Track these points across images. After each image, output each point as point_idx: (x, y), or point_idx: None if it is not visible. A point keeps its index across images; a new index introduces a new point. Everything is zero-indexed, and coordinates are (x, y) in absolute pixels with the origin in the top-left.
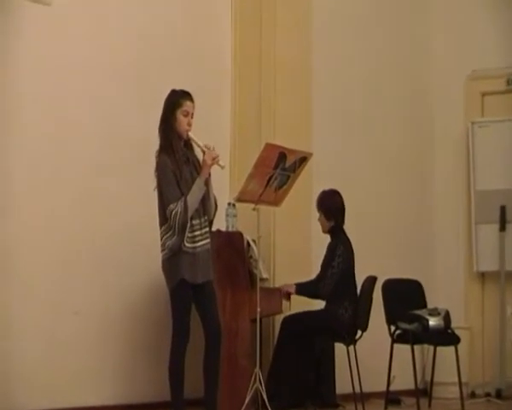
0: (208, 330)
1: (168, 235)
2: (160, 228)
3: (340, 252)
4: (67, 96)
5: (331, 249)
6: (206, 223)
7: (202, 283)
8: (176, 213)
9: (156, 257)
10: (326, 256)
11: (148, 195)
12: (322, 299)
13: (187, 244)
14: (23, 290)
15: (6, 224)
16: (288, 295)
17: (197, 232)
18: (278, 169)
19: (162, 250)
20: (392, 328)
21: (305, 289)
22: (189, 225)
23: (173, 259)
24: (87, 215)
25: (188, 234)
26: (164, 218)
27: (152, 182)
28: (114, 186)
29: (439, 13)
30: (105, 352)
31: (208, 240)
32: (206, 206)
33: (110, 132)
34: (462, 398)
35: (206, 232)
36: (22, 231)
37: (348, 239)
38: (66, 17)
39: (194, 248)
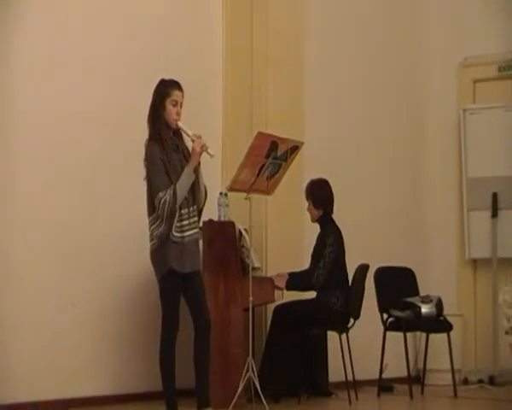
0: (197, 319)
1: (156, 224)
2: (149, 218)
3: (330, 241)
4: (60, 88)
5: (321, 239)
6: (195, 212)
7: (190, 272)
8: (165, 201)
9: (148, 249)
10: (316, 247)
11: (140, 187)
12: (315, 290)
13: (175, 234)
14: (19, 283)
15: (2, 218)
16: None
17: (185, 222)
18: (270, 158)
19: (151, 240)
20: (385, 316)
21: (296, 282)
22: (177, 214)
23: (161, 249)
24: (84, 208)
25: (176, 223)
26: (152, 207)
27: (143, 173)
28: (112, 180)
29: (432, 0)
30: (99, 343)
31: (197, 230)
32: (195, 195)
33: (102, 125)
34: (454, 385)
35: (194, 222)
36: (19, 225)
37: (338, 228)
38: (62, 11)
39: (183, 237)
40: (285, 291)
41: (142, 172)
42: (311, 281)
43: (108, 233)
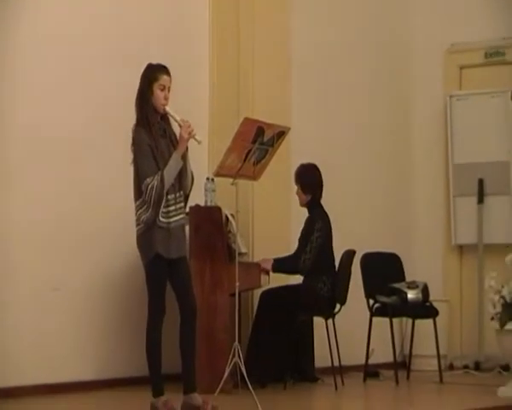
0: (183, 305)
1: (143, 209)
2: (135, 202)
3: (318, 226)
4: (48, 76)
5: (309, 224)
6: (182, 198)
7: (176, 258)
8: (152, 187)
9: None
10: (304, 231)
11: (129, 175)
12: (302, 274)
13: (161, 219)
14: (4, 268)
15: None
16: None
17: (172, 207)
18: (256, 143)
19: (137, 225)
20: (371, 301)
21: (283, 264)
22: (164, 199)
23: (148, 234)
24: (69, 195)
25: (162, 209)
26: (139, 192)
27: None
28: (97, 166)
29: None
30: (86, 329)
31: (183, 215)
32: (182, 181)
33: (90, 112)
34: (440, 370)
35: (180, 208)
36: (4, 210)
37: (326, 213)
38: (59, 11)
39: (169, 223)
40: (271, 275)
41: (129, 157)
42: (298, 265)
43: (93, 217)
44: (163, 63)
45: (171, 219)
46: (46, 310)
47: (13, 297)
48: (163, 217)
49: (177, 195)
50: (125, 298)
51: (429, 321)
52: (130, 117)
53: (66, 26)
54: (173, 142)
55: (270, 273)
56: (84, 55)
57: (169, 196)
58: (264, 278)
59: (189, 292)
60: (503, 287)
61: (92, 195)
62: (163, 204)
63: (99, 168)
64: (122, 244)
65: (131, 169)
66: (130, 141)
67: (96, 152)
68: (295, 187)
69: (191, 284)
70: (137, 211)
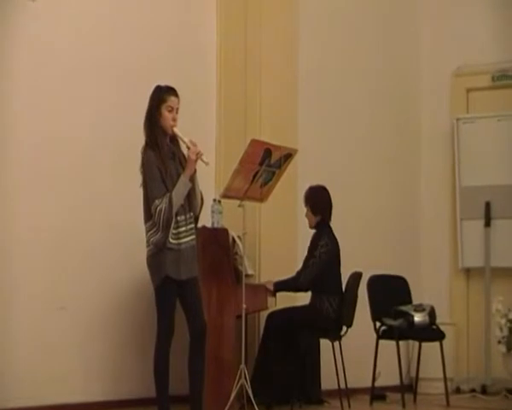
0: (193, 327)
1: (153, 231)
2: (145, 224)
3: (323, 243)
4: (56, 94)
5: (314, 241)
6: (192, 219)
7: (187, 279)
8: (161, 210)
9: (143, 254)
10: (309, 248)
11: (135, 192)
12: (302, 289)
13: (172, 241)
14: (10, 287)
15: None
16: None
17: (182, 229)
18: (264, 165)
19: (147, 247)
20: (378, 324)
21: (284, 283)
22: (173, 221)
23: (158, 255)
24: (75, 211)
25: (172, 230)
26: (149, 214)
27: (138, 179)
28: (102, 183)
29: (426, 9)
30: (92, 348)
31: (193, 236)
32: (191, 202)
33: (97, 129)
34: (447, 394)
35: (191, 229)
36: (9, 228)
37: (334, 235)
38: (52, 15)
39: (179, 244)
40: (278, 297)
41: (137, 177)
42: (299, 279)
43: (99, 235)
44: (171, 85)
45: (182, 241)
46: (51, 330)
47: (17, 316)
48: (173, 238)
49: (188, 216)
50: (132, 317)
51: (436, 344)
52: (137, 136)
53: (72, 46)
54: (182, 164)
55: (277, 295)
56: (91, 77)
57: (179, 218)
58: (270, 299)
59: (199, 313)
60: (510, 311)
61: (99, 212)
62: (173, 225)
63: (105, 185)
64: (129, 262)
65: (138, 185)
66: (139, 161)
67: (103, 169)
68: (304, 209)
69: (201, 305)
70: (147, 233)
